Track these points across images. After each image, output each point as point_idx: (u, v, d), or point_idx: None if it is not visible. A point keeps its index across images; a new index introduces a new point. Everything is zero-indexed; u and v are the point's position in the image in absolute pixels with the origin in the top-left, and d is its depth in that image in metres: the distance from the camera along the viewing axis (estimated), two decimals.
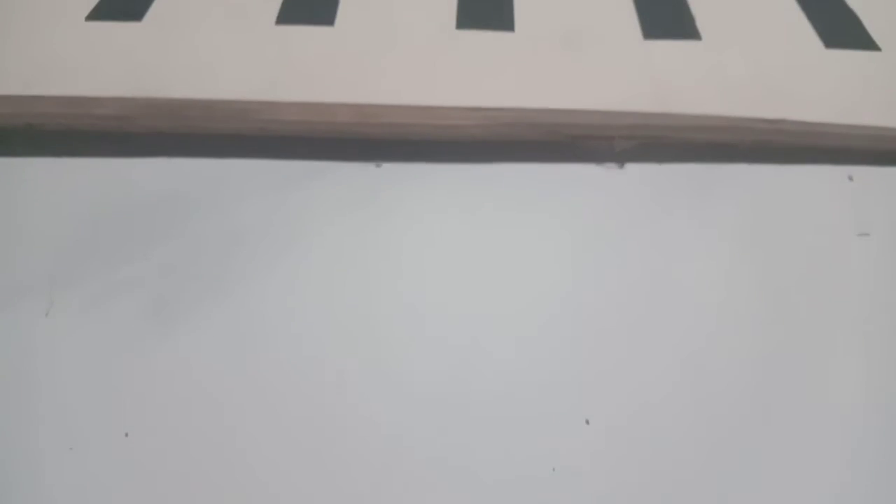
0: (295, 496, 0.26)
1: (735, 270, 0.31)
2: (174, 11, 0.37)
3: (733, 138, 0.33)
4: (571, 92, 0.34)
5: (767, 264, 0.31)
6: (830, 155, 0.33)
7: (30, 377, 0.28)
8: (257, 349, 0.29)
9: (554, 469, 0.27)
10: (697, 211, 0.33)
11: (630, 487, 0.26)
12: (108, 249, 0.31)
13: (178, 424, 0.27)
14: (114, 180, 0.33)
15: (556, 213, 0.33)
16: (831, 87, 0.35)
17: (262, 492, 0.26)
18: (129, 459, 0.26)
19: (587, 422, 0.27)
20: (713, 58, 0.35)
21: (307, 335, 0.29)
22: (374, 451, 0.27)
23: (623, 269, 0.32)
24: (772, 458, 0.27)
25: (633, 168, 0.34)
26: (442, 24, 0.37)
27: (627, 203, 0.33)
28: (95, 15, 0.37)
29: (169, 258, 0.31)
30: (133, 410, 0.27)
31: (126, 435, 0.27)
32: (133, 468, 0.26)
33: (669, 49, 0.36)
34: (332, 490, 0.26)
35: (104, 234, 0.32)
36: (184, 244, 0.31)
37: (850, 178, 0.33)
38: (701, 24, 0.38)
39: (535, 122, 0.33)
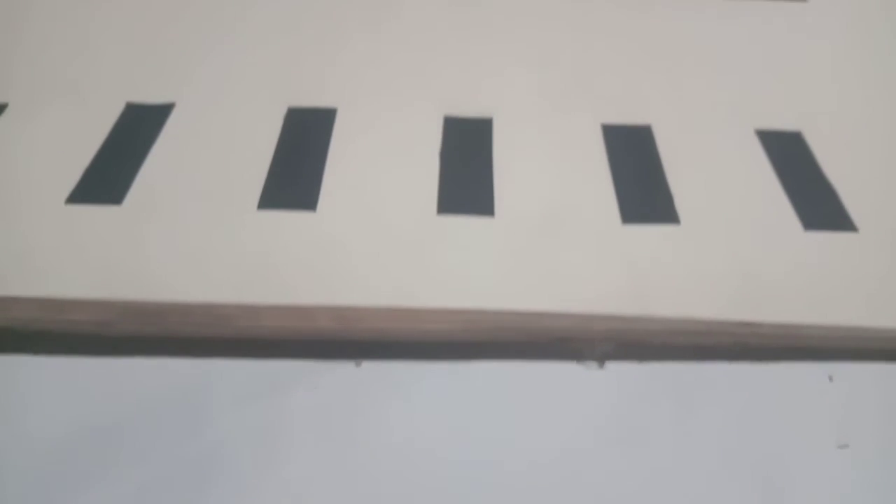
0: None
1: (716, 481, 0.31)
2: (153, 194, 0.37)
3: (712, 341, 0.33)
4: (550, 286, 0.34)
5: (749, 475, 0.31)
6: (810, 353, 0.34)
7: None
8: None
9: None
10: (678, 414, 0.33)
11: None
12: (82, 469, 0.31)
13: None
14: (91, 383, 0.33)
15: (537, 412, 0.33)
16: (809, 277, 0.35)
17: None
18: None
19: None
20: (691, 247, 0.36)
21: None
22: None
23: (607, 471, 0.32)
24: None
25: (613, 367, 0.34)
26: (423, 210, 0.37)
27: (608, 402, 0.33)
28: (75, 197, 0.37)
29: (145, 479, 0.30)
30: None
31: None
32: None
33: (648, 236, 0.36)
34: None
35: (79, 450, 0.31)
36: (160, 462, 0.31)
37: (830, 379, 0.33)
38: (680, 204, 0.38)
39: (515, 326, 0.33)
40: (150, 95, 0.44)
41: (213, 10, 0.50)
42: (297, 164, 0.39)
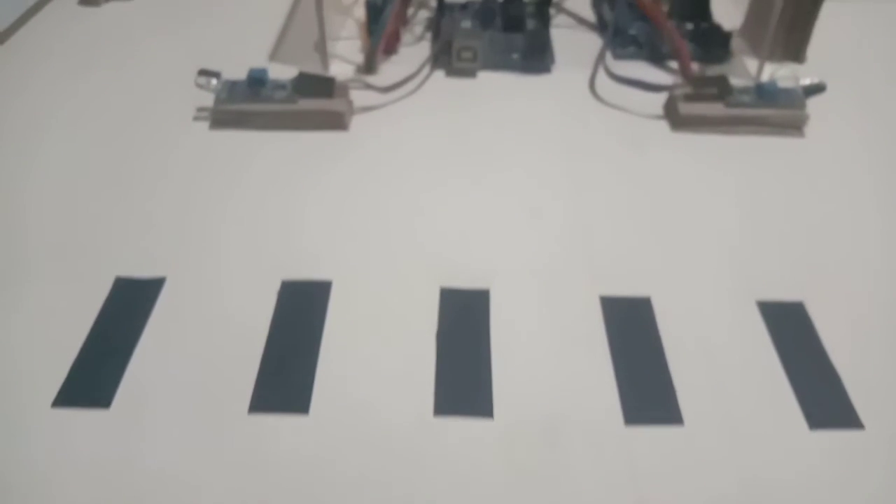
0: None
1: None
2: (142, 396, 0.36)
3: None
4: (549, 496, 0.33)
5: None
6: None
7: None
8: None
9: None
10: None
11: None
12: None
13: None
14: None
15: None
16: (814, 480, 0.34)
17: None
18: None
19: None
20: (694, 455, 0.35)
21: None
22: None
23: None
24: None
25: None
26: (419, 412, 0.36)
27: None
28: (61, 399, 0.36)
29: None
30: None
31: None
32: None
33: (651, 439, 0.35)
34: None
35: None
36: None
37: None
38: (682, 397, 0.37)
39: None
40: (140, 269, 0.43)
41: (204, 180, 0.50)
42: (291, 356, 0.38)
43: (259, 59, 0.62)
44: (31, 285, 0.42)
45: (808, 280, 0.44)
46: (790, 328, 0.41)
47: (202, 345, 0.39)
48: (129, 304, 0.41)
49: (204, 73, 0.53)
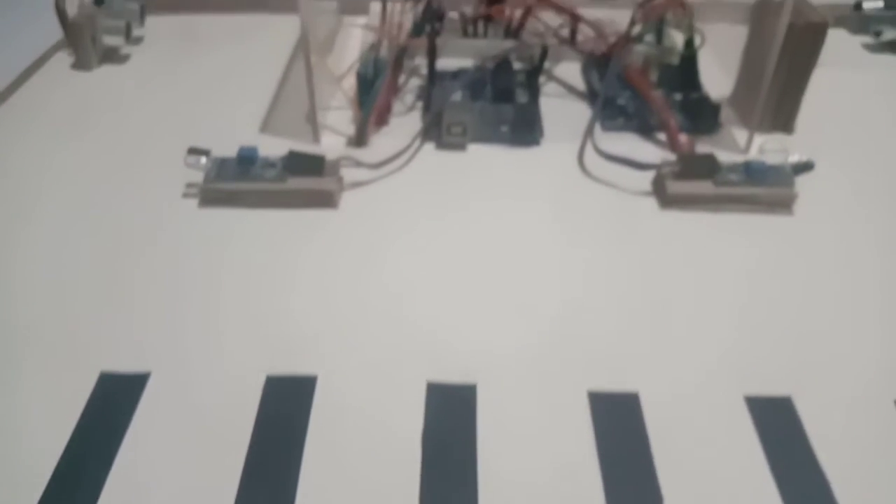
0: None
1: None
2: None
3: None
4: None
5: None
6: None
7: None
8: None
9: None
10: None
11: None
12: None
13: None
14: None
15: None
16: None
17: None
18: None
19: None
20: None
21: None
22: None
23: None
24: None
25: None
26: None
27: None
28: None
29: None
30: None
31: None
32: None
33: None
34: None
35: None
36: None
37: None
38: (665, 485, 0.37)
39: None
40: (124, 360, 0.43)
41: (191, 264, 0.50)
42: (274, 461, 0.38)
43: (251, 128, 0.62)
44: (14, 376, 0.42)
45: (796, 372, 0.43)
46: (777, 425, 0.41)
47: (185, 447, 0.39)
48: (113, 402, 0.41)
49: (193, 151, 0.54)
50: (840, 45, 0.75)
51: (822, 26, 0.58)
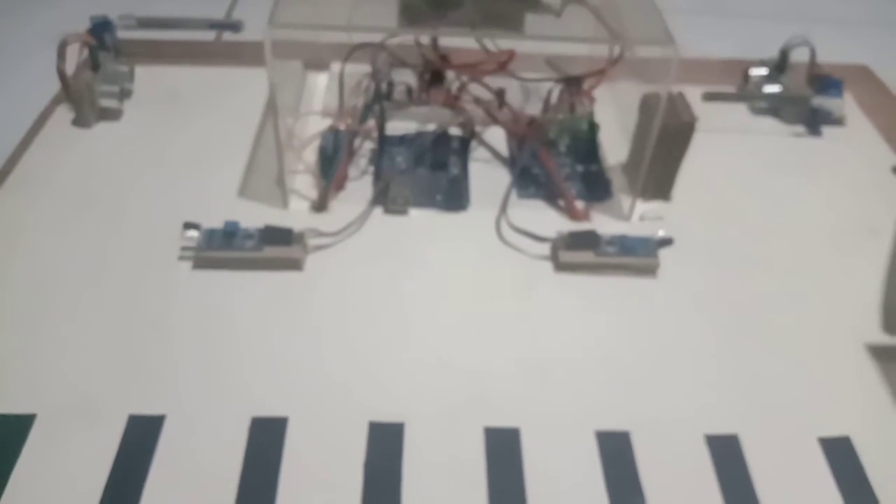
0: None
1: None
2: None
3: None
4: None
5: None
6: None
7: None
8: None
9: None
10: None
11: None
12: None
13: None
14: None
15: None
16: None
17: None
18: None
19: None
20: None
21: None
22: None
23: None
24: None
25: None
26: None
27: None
28: None
29: None
30: None
31: None
32: None
33: None
34: None
35: None
36: None
37: None
38: None
39: None
40: (146, 407, 0.58)
41: (181, 319, 0.64)
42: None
43: (230, 193, 0.76)
44: (66, 422, 0.56)
45: (635, 413, 0.60)
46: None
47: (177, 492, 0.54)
48: (140, 438, 0.56)
49: (188, 226, 0.68)
50: (728, 111, 0.90)
51: (690, 125, 0.73)
